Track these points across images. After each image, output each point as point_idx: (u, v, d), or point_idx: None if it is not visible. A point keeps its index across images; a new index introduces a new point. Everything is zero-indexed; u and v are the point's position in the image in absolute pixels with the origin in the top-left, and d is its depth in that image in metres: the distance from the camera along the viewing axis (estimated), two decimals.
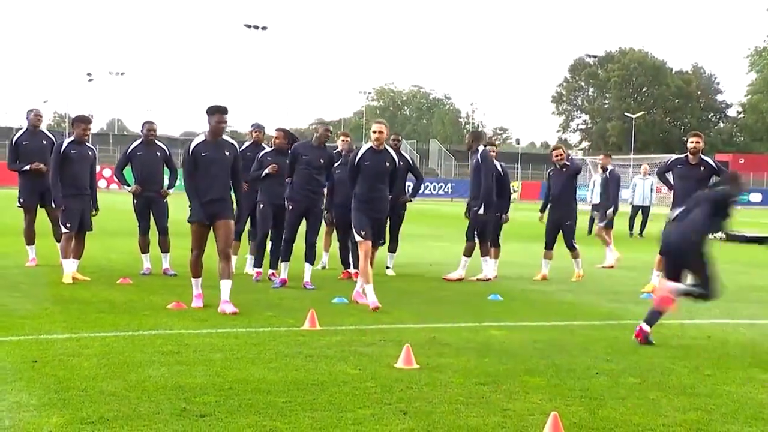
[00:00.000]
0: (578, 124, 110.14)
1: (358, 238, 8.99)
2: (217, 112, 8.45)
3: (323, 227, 11.26)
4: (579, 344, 7.10)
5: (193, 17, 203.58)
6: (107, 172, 47.51)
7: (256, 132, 11.69)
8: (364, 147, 9.15)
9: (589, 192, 23.49)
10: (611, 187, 15.22)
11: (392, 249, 12.03)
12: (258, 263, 10.80)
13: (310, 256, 10.27)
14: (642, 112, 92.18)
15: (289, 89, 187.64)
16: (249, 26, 74.95)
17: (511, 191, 12.72)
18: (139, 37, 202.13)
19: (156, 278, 10.64)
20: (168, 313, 8.02)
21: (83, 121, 10.49)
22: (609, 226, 14.99)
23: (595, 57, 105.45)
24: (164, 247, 11.09)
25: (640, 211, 22.94)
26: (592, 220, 22.68)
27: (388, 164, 9.14)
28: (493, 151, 12.21)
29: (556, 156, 12.17)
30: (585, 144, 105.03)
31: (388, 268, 12.04)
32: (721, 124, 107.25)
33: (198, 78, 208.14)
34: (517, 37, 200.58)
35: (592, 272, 13.38)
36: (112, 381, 5.33)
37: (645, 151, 79.65)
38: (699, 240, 7.26)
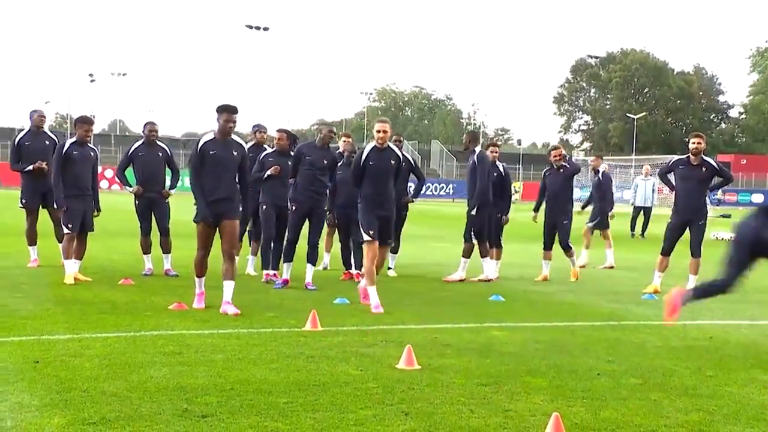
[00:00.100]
0: (580, 125, 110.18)
1: (366, 237, 8.93)
2: (225, 111, 8.41)
3: (325, 228, 11.26)
4: (580, 345, 7.10)
5: (195, 18, 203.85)
6: (109, 173, 47.55)
7: (260, 133, 11.66)
8: (368, 147, 9.10)
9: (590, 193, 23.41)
10: (606, 188, 15.16)
11: (394, 250, 12.02)
12: (267, 264, 10.74)
13: (312, 257, 10.27)
14: (643, 113, 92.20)
15: (290, 90, 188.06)
16: (250, 27, 75.00)
17: (513, 192, 12.73)
18: (141, 37, 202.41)
19: (158, 279, 10.64)
20: (170, 313, 8.03)
21: (85, 122, 10.49)
22: (606, 226, 14.94)
23: (596, 58, 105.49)
24: (166, 248, 11.09)
25: (641, 212, 22.93)
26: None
27: (393, 162, 9.10)
28: (495, 152, 12.21)
29: (555, 156, 12.17)
30: (586, 145, 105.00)
31: (389, 268, 12.04)
32: (723, 125, 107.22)
33: (200, 79, 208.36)
34: (519, 38, 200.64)
35: (593, 273, 13.38)
36: (114, 381, 5.33)
37: (646, 151, 79.62)
38: None
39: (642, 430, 4.72)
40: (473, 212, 11.52)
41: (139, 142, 11.23)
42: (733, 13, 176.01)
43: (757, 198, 65.29)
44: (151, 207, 11.05)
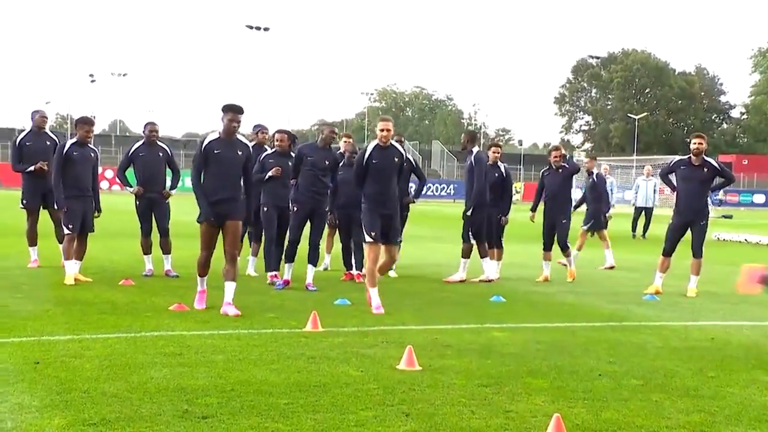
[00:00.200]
0: (581, 126, 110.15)
1: (368, 239, 8.91)
2: (230, 111, 8.33)
3: (325, 229, 11.25)
4: (581, 346, 7.10)
5: (196, 18, 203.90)
6: (109, 174, 47.58)
7: (261, 134, 11.64)
8: (371, 145, 9.03)
9: None
10: (600, 189, 15.13)
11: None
12: (270, 266, 10.73)
13: (313, 258, 10.27)
14: (645, 114, 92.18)
15: (291, 90, 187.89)
16: (251, 27, 75.07)
17: (514, 192, 12.74)
18: (141, 38, 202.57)
19: (158, 280, 10.64)
20: (170, 314, 8.03)
21: (86, 123, 10.49)
22: (601, 227, 14.91)
23: (597, 58, 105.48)
24: (166, 249, 11.09)
25: (642, 213, 22.93)
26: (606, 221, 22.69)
27: (396, 159, 9.03)
28: (497, 153, 12.22)
29: (555, 157, 12.16)
30: (588, 145, 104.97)
31: (390, 269, 12.03)
32: (725, 125, 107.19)
33: (200, 79, 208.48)
34: (520, 38, 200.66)
35: (595, 274, 13.38)
36: (114, 382, 5.33)
37: (648, 152, 79.59)
38: None
39: (643, 431, 4.72)
40: (469, 213, 11.53)
41: (140, 143, 11.23)
42: (734, 14, 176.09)
43: (759, 198, 65.30)
44: (152, 207, 11.04)
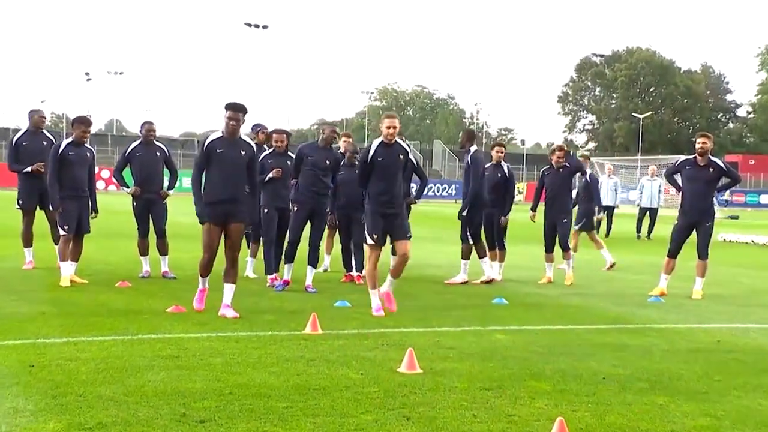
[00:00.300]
0: (584, 125, 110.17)
1: (369, 241, 8.87)
2: (229, 109, 8.26)
3: (325, 229, 11.24)
4: (585, 348, 7.09)
5: (193, 16, 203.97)
6: (105, 174, 47.61)
7: (262, 133, 11.62)
8: (375, 143, 8.94)
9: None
10: (593, 189, 15.11)
11: (395, 252, 12.01)
12: (270, 268, 10.72)
13: (313, 259, 10.27)
14: (650, 113, 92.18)
15: (290, 89, 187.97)
16: (250, 25, 75.11)
17: (517, 193, 12.74)
18: (138, 36, 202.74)
19: (155, 281, 10.64)
20: (167, 316, 8.02)
21: (83, 122, 10.47)
22: (591, 228, 14.88)
23: (601, 56, 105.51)
24: (163, 250, 11.09)
25: (647, 213, 22.93)
26: (599, 222, 22.70)
27: (401, 156, 8.95)
28: (500, 152, 12.22)
29: (558, 158, 12.13)
30: (591, 145, 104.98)
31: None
32: (731, 125, 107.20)
33: (198, 78, 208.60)
34: (523, 36, 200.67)
35: (598, 275, 13.37)
36: (111, 386, 5.33)
37: (653, 152, 79.57)
38: None
39: None
40: (464, 213, 11.54)
41: (137, 142, 11.22)
42: (741, 11, 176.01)
43: (766, 199, 65.22)
44: (149, 208, 11.03)
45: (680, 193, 11.21)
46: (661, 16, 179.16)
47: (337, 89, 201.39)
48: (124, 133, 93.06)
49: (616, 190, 22.86)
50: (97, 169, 11.17)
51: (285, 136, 10.91)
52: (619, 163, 56.58)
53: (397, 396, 5.30)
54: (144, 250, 11.11)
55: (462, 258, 11.66)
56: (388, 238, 9.14)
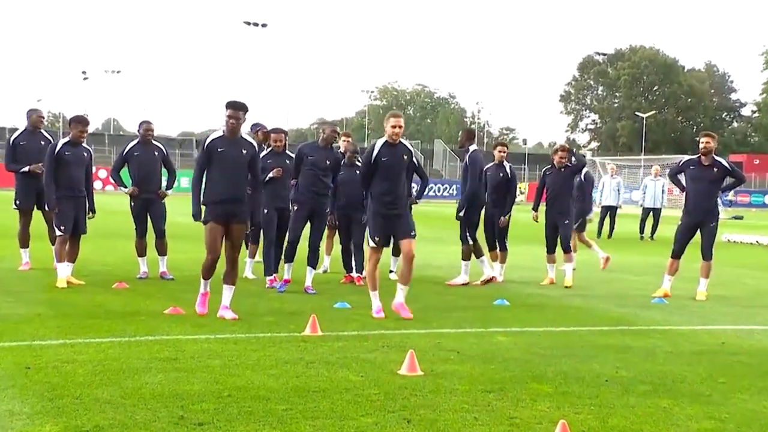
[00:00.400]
0: (587, 124, 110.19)
1: (371, 243, 8.84)
2: (229, 108, 8.24)
3: (325, 230, 11.24)
4: (587, 350, 7.09)
5: (192, 14, 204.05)
6: (102, 173, 47.64)
7: (262, 133, 11.61)
8: (380, 142, 8.90)
9: (598, 193, 23.46)
10: (587, 189, 15.07)
11: (396, 252, 12.02)
12: (269, 270, 10.70)
13: (313, 260, 10.27)
14: (653, 112, 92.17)
15: (289, 88, 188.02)
16: (248, 23, 75.15)
17: (519, 193, 12.74)
18: (135, 34, 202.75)
19: (153, 283, 10.64)
20: (165, 318, 8.02)
21: (80, 122, 10.47)
22: (581, 229, 14.84)
23: (604, 54, 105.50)
24: (161, 250, 11.09)
25: (651, 214, 22.94)
26: (601, 223, 22.72)
27: (405, 157, 8.92)
28: (503, 152, 12.22)
29: (561, 158, 12.10)
30: (594, 144, 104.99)
31: (391, 272, 12.05)
32: (735, 124, 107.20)
33: (196, 76, 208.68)
34: (525, 34, 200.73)
35: (600, 276, 13.36)
36: (108, 388, 5.33)
37: (656, 151, 79.64)
38: None
39: None
40: (461, 214, 11.54)
41: (134, 142, 11.21)
42: (745, 9, 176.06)
43: None
44: (147, 208, 11.03)
45: (684, 193, 11.21)
46: (664, 14, 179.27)
47: (337, 88, 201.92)
48: (121, 133, 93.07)
49: (618, 190, 22.87)
50: (94, 169, 11.12)
51: (283, 135, 10.91)
52: (622, 162, 56.63)
53: (398, 398, 5.30)
54: (142, 251, 11.11)
55: (462, 259, 11.66)
56: (391, 240, 9.13)
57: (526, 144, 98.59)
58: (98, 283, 10.27)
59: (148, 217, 11.05)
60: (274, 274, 10.64)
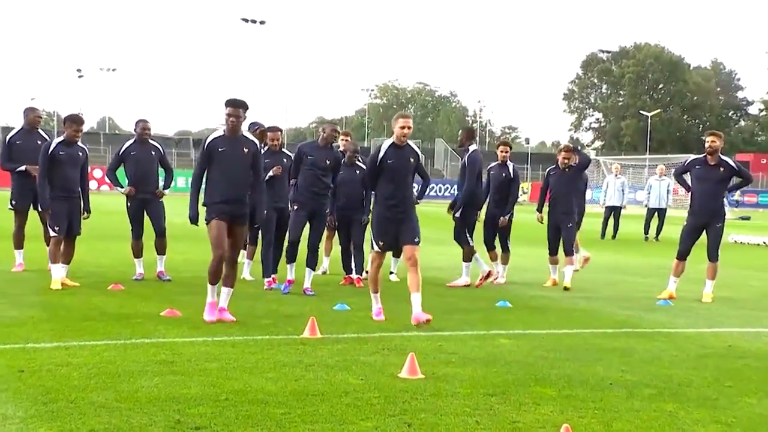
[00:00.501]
0: (591, 123, 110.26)
1: (375, 248, 8.82)
2: (228, 105, 8.20)
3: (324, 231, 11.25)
4: (591, 353, 7.09)
5: (189, 11, 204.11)
6: (98, 173, 47.62)
7: (260, 132, 11.60)
8: (386, 144, 8.84)
9: (601, 194, 23.49)
10: (583, 188, 15.03)
11: (396, 254, 12.03)
12: (267, 271, 10.69)
13: (312, 261, 10.27)
14: (658, 110, 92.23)
15: (288, 86, 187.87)
16: (246, 20, 75.24)
17: (521, 193, 12.75)
18: (131, 31, 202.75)
19: (149, 284, 10.64)
20: (161, 320, 8.02)
21: (75, 121, 10.46)
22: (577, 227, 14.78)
23: (608, 52, 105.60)
24: (161, 249, 11.08)
25: (655, 214, 22.94)
26: (605, 223, 22.73)
27: (412, 160, 8.86)
28: (506, 152, 12.23)
29: (565, 159, 12.08)
30: (598, 143, 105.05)
31: (391, 273, 12.05)
32: (742, 123, 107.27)
33: (193, 75, 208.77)
34: (527, 32, 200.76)
35: (605, 278, 13.36)
36: (103, 392, 5.33)
37: (661, 150, 79.63)
38: None
39: None
40: (457, 215, 11.55)
41: (131, 141, 11.21)
42: (752, 6, 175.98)
43: None
44: (145, 208, 11.02)
45: (689, 193, 11.21)
46: (669, 10, 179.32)
47: (336, 86, 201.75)
48: (117, 132, 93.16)
49: (623, 190, 22.87)
50: (89, 169, 11.11)
51: (280, 134, 10.93)
52: (627, 162, 56.58)
53: (398, 402, 5.30)
54: (138, 252, 11.10)
55: (463, 260, 11.66)
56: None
57: (528, 143, 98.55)
58: (93, 285, 10.27)
59: (146, 218, 11.05)
60: (273, 276, 10.64)
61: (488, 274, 11.59)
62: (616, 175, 23.20)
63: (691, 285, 11.51)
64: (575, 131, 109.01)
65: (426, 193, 12.39)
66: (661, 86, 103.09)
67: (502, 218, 12.04)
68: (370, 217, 10.85)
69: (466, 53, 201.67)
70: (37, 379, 5.62)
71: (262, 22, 75.22)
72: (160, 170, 11.30)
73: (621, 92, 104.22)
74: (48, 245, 10.86)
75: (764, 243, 22.28)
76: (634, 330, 8.44)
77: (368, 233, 9.67)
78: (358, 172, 11.14)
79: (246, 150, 8.27)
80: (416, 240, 8.76)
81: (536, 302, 10.31)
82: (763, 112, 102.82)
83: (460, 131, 12.21)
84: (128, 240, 11.19)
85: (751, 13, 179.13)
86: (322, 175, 10.27)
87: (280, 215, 10.65)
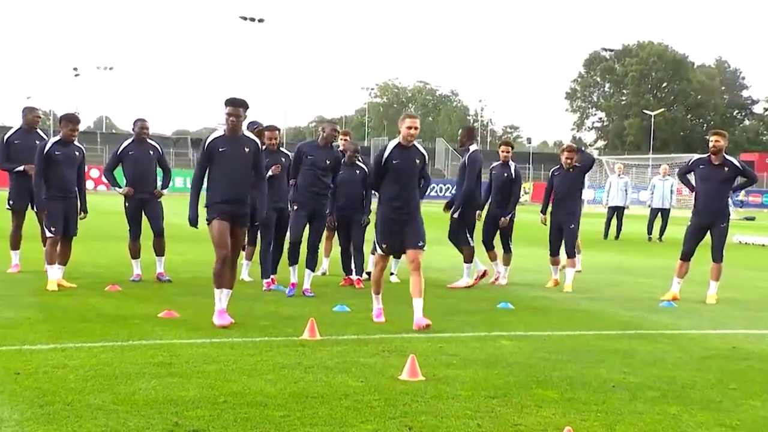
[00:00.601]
0: (593, 122, 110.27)
1: (378, 251, 8.80)
2: (227, 105, 8.18)
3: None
4: (594, 355, 7.10)
5: (187, 8, 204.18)
6: (95, 173, 47.63)
7: (257, 131, 11.61)
8: (392, 144, 8.79)
9: (604, 194, 23.50)
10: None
11: (397, 255, 12.02)
12: (267, 272, 10.68)
13: (311, 262, 10.27)
14: (662, 109, 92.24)
15: (287, 85, 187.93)
16: (245, 18, 75.22)
17: (523, 194, 12.77)
18: (128, 29, 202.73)
19: (146, 285, 10.64)
20: (159, 322, 8.03)
21: (71, 120, 10.46)
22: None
23: (611, 51, 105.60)
24: (159, 250, 11.08)
25: (659, 214, 22.95)
26: (608, 224, 22.74)
27: (418, 161, 8.80)
28: (508, 151, 12.23)
29: (568, 158, 12.07)
30: (601, 143, 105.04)
31: (392, 274, 12.05)
32: (747, 122, 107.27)
33: (191, 73, 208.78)
34: (529, 30, 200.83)
35: (607, 279, 13.37)
36: (100, 394, 5.33)
37: (665, 150, 79.66)
38: None
39: None
40: (455, 215, 11.55)
41: (129, 141, 11.20)
42: (757, 4, 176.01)
43: None
44: (143, 209, 11.01)
45: (693, 193, 11.21)
46: (673, 8, 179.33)
47: (336, 85, 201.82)
48: (113, 131, 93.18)
49: (626, 190, 22.88)
50: (86, 168, 11.12)
51: (278, 133, 10.94)
52: (630, 162, 56.61)
53: (399, 404, 5.30)
54: (135, 253, 11.10)
55: (465, 261, 11.66)
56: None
57: (530, 143, 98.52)
58: (90, 286, 10.28)
59: (144, 218, 11.05)
60: (272, 276, 10.65)
61: (484, 274, 11.61)
62: (619, 175, 23.21)
63: (695, 286, 11.51)
64: (578, 131, 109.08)
65: (426, 194, 12.39)
66: (664, 85, 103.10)
67: (503, 219, 12.04)
68: (370, 217, 10.88)
69: (467, 52, 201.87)
70: (34, 381, 5.62)
71: (260, 21, 75.24)
72: (159, 170, 11.31)
73: (624, 91, 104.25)
74: (45, 246, 10.87)
75: None
76: (637, 331, 8.44)
77: (370, 234, 9.67)
78: (358, 172, 11.15)
79: (247, 149, 8.25)
80: (420, 244, 8.65)
81: (538, 303, 10.32)
82: None
83: (460, 131, 12.22)
84: (125, 240, 11.19)
85: (755, 10, 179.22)
86: (322, 175, 10.27)
87: (279, 215, 10.65)
